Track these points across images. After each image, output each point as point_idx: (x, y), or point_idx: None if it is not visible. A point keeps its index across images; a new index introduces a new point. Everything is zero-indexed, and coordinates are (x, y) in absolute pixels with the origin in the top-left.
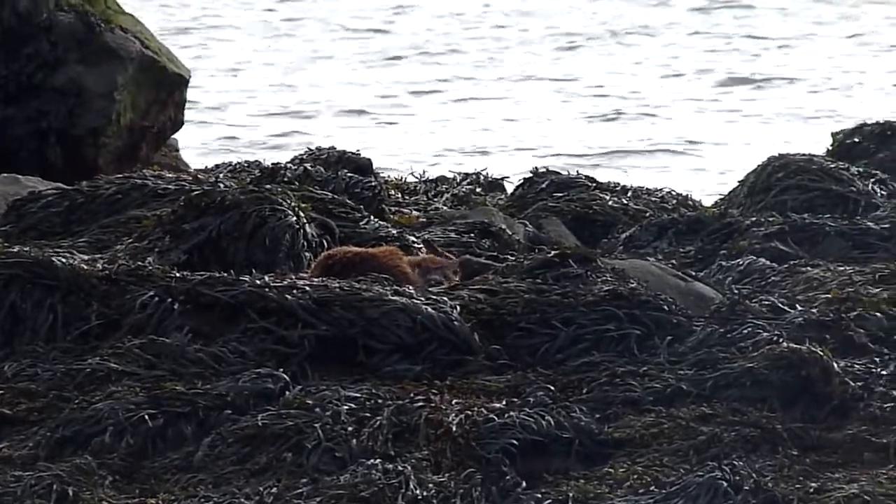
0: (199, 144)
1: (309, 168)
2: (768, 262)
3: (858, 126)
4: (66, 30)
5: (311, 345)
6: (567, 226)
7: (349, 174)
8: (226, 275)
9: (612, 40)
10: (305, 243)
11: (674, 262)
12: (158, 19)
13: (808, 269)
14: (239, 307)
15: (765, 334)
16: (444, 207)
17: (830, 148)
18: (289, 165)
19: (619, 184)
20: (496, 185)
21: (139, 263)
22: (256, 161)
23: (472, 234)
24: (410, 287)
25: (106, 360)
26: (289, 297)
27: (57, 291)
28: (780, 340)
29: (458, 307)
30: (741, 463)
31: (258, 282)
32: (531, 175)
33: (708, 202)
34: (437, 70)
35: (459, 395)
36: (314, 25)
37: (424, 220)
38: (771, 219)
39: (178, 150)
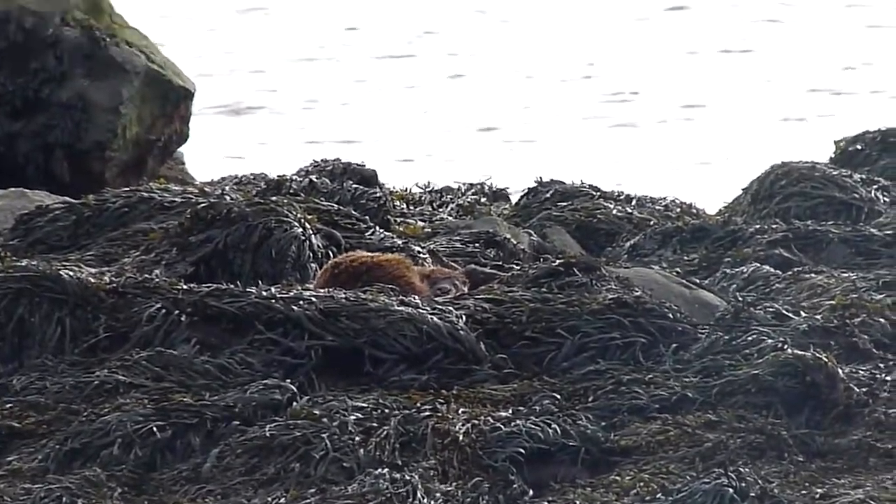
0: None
1: (314, 180)
2: (772, 270)
3: (861, 133)
4: (72, 44)
5: (317, 355)
6: (571, 235)
7: (354, 185)
8: (232, 286)
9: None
10: (311, 254)
11: (678, 269)
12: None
13: (812, 275)
14: (246, 318)
15: (769, 341)
16: (449, 217)
17: (833, 155)
18: (294, 177)
19: (622, 192)
20: (500, 194)
21: (146, 276)
22: (262, 173)
23: (477, 244)
24: (416, 296)
25: (114, 372)
26: (295, 308)
27: (65, 305)
28: (785, 347)
29: (464, 316)
30: (747, 469)
31: (265, 293)
32: (535, 185)
33: (712, 210)
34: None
35: (466, 404)
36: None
37: (429, 230)
38: (774, 226)
39: (183, 164)
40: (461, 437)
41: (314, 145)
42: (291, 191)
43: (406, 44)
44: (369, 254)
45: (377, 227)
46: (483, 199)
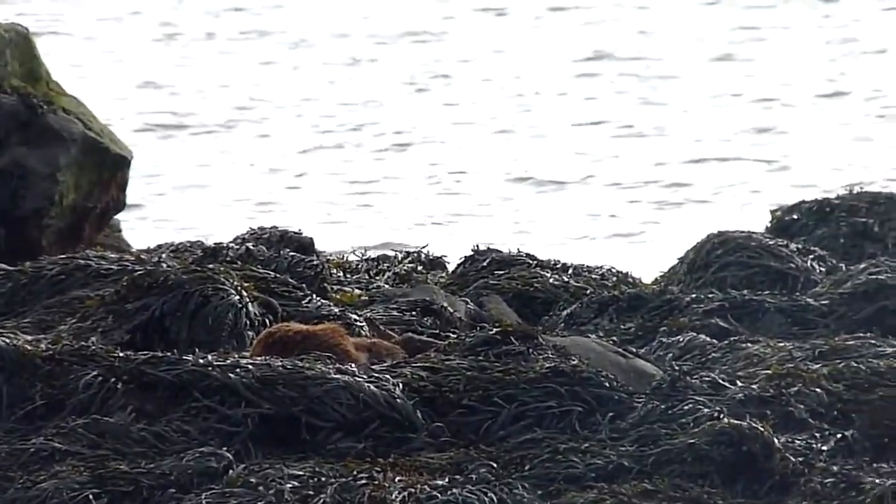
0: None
1: (251, 247)
2: (708, 339)
3: (797, 203)
4: (9, 112)
5: (254, 423)
6: (508, 303)
7: (291, 253)
8: (169, 354)
9: None
10: (248, 322)
11: (615, 338)
12: None
13: (748, 345)
14: (182, 386)
15: (706, 410)
16: (386, 286)
17: (769, 225)
18: (231, 245)
19: (559, 261)
20: (437, 263)
21: (83, 343)
22: (198, 241)
23: (414, 312)
24: (353, 365)
25: (50, 439)
26: (232, 375)
27: (1, 372)
28: (721, 416)
29: (401, 385)
30: None
31: (201, 360)
32: (472, 253)
33: (648, 279)
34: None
35: (402, 472)
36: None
37: (366, 298)
38: (711, 295)
39: (120, 231)
40: None
41: (252, 212)
42: (228, 258)
43: (349, 113)
44: (302, 325)
45: (314, 295)
46: (420, 268)
